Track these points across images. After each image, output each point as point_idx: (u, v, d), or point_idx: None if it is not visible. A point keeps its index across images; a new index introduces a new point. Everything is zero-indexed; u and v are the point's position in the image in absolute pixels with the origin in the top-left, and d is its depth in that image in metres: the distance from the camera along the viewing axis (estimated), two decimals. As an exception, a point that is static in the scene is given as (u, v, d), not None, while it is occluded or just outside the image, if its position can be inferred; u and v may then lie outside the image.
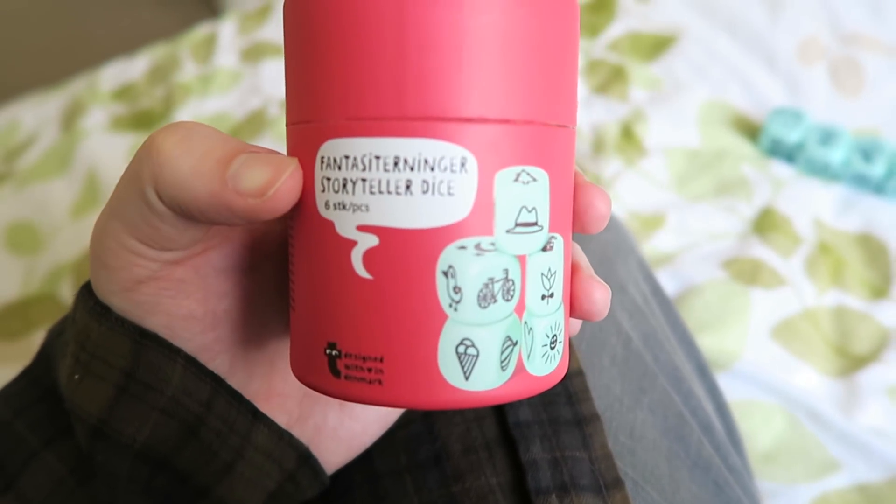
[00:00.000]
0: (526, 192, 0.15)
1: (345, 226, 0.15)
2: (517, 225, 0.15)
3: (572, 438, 0.24)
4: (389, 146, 0.14)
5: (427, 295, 0.15)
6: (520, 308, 0.16)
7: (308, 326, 0.16)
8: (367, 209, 0.15)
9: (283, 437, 0.20)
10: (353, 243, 0.15)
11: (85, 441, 0.18)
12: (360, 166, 0.15)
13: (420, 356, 0.15)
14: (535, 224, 0.16)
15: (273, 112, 0.76)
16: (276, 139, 0.73)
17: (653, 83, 0.68)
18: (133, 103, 0.82)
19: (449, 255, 0.15)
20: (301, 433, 0.21)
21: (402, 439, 0.24)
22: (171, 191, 0.15)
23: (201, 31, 0.91)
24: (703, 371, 0.38)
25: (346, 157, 0.15)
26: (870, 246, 0.51)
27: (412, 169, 0.14)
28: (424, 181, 0.14)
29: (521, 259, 0.16)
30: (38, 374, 0.21)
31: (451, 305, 0.15)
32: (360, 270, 0.15)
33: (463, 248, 0.15)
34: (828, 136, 0.56)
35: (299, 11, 0.16)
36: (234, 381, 0.20)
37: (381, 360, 0.15)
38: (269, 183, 0.15)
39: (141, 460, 0.18)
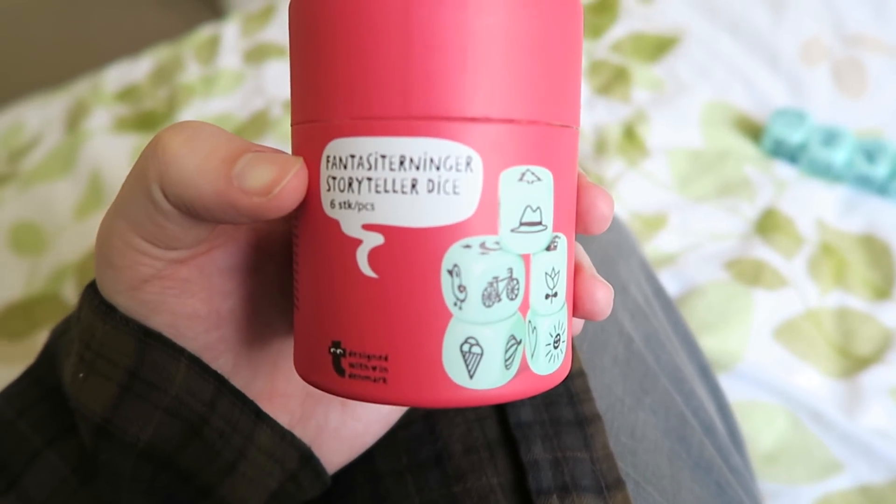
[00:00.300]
0: (530, 191, 0.15)
1: (350, 225, 0.15)
2: (522, 224, 0.15)
3: (574, 439, 0.24)
4: (395, 145, 0.15)
5: (432, 293, 0.15)
6: (524, 307, 0.16)
7: (312, 325, 0.16)
8: (373, 208, 0.15)
9: (286, 437, 0.20)
10: (359, 242, 0.15)
11: (89, 440, 0.18)
12: (366, 165, 0.15)
13: (425, 355, 0.15)
14: (539, 223, 0.16)
15: (276, 113, 0.76)
16: (279, 140, 0.73)
17: (655, 84, 0.68)
18: (136, 104, 0.82)
19: (454, 254, 0.15)
20: (303, 433, 0.21)
21: (404, 439, 0.24)
22: (176, 189, 0.15)
23: (204, 32, 0.91)
24: (705, 372, 0.38)
25: (352, 157, 0.15)
26: (873, 247, 0.51)
27: (418, 168, 0.15)
28: (430, 180, 0.15)
29: (526, 258, 0.16)
30: (41, 373, 0.21)
31: (455, 304, 0.15)
32: (366, 269, 0.15)
33: (468, 246, 0.15)
34: (831, 137, 0.56)
35: (305, 12, 0.16)
36: (238, 381, 0.20)
37: (386, 359, 0.15)
38: (275, 182, 0.15)
39: (144, 459, 0.18)
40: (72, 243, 0.65)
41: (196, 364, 0.18)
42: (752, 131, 0.62)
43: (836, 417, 0.42)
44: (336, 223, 0.15)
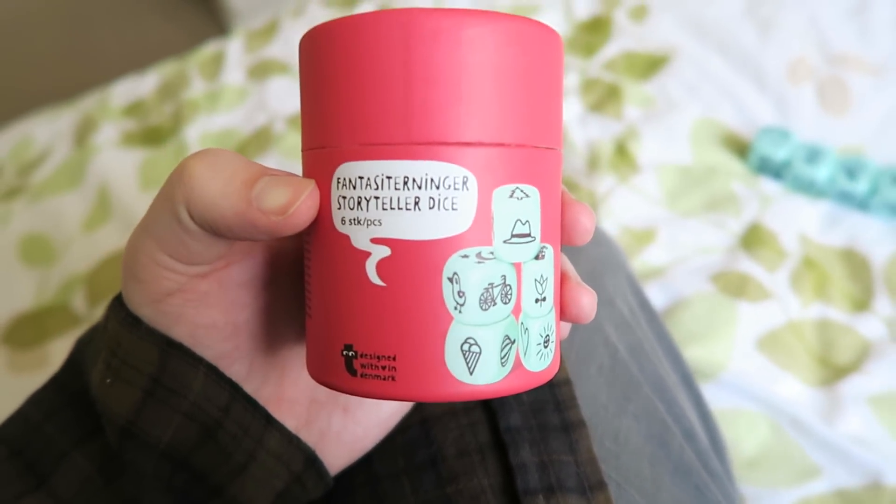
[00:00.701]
0: (520, 206, 0.17)
1: (359, 239, 0.17)
2: (513, 236, 0.17)
3: (560, 443, 0.25)
4: (399, 167, 0.16)
5: (434, 299, 0.17)
6: (516, 310, 0.17)
7: (325, 331, 0.18)
8: (380, 223, 0.17)
9: (293, 441, 0.22)
10: (368, 254, 0.17)
11: (114, 440, 0.20)
12: (374, 186, 0.16)
13: (429, 354, 0.17)
14: (528, 235, 0.18)
15: (279, 128, 0.78)
16: (282, 155, 0.75)
17: (647, 101, 0.70)
18: (143, 119, 0.84)
19: (453, 263, 0.16)
20: (307, 437, 0.22)
21: (401, 443, 0.26)
22: (201, 210, 0.17)
23: (209, 48, 0.93)
24: (688, 381, 0.40)
25: (361, 178, 0.17)
26: (853, 260, 0.53)
27: (420, 187, 0.16)
28: (431, 198, 0.16)
29: (517, 266, 0.17)
30: (65, 380, 0.23)
31: (456, 308, 0.17)
32: (374, 278, 0.17)
33: (466, 256, 0.17)
34: (814, 155, 0.58)
35: (315, 51, 0.18)
36: (250, 387, 0.21)
37: (394, 359, 0.17)
38: (290, 202, 0.17)
39: (165, 459, 0.20)
40: (80, 255, 0.67)
41: (213, 372, 0.20)
42: (740, 148, 0.64)
43: (816, 424, 0.44)
44: (346, 238, 0.17)
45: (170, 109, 0.84)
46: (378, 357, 0.17)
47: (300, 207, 0.17)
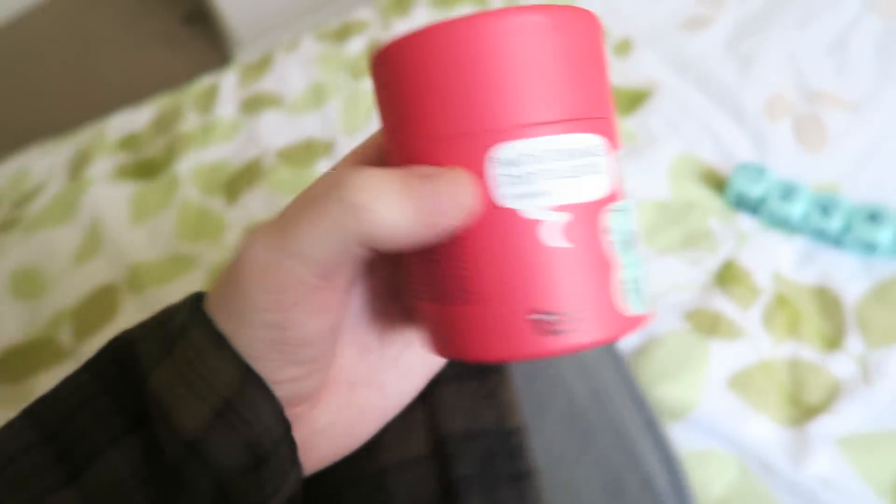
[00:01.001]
0: (620, 168, 0.21)
1: (530, 210, 0.19)
2: (625, 193, 0.21)
3: (509, 492, 0.26)
4: (562, 141, 0.19)
5: (605, 250, 0.19)
6: (640, 253, 0.21)
7: (501, 304, 0.19)
8: (551, 192, 0.19)
9: (300, 483, 0.22)
10: (540, 222, 0.19)
11: (174, 452, 0.20)
12: (540, 160, 0.19)
13: (609, 298, 0.19)
14: (626, 192, 0.22)
15: (269, 162, 0.79)
16: (271, 188, 0.76)
17: (628, 137, 0.71)
18: (137, 152, 0.86)
19: (609, 218, 0.19)
20: (348, 414, 0.23)
21: (356, 496, 0.27)
22: (383, 237, 0.18)
23: (204, 82, 0.95)
24: (652, 425, 0.40)
25: (525, 155, 0.18)
26: (825, 298, 0.54)
27: (578, 157, 0.19)
28: (586, 165, 0.19)
29: (633, 217, 0.21)
30: (98, 368, 0.23)
31: (618, 254, 0.19)
32: (557, 242, 0.19)
33: (614, 210, 0.20)
34: (788, 192, 0.59)
35: (458, 46, 0.19)
36: (308, 385, 0.22)
37: (585, 310, 0.19)
38: (460, 193, 0.18)
39: (217, 480, 0.20)
40: (69, 289, 0.68)
41: (277, 409, 0.20)
42: (718, 184, 0.65)
43: (784, 466, 0.44)
44: (513, 212, 0.19)
45: (163, 142, 0.85)
46: (570, 312, 0.19)
47: (471, 195, 0.18)
